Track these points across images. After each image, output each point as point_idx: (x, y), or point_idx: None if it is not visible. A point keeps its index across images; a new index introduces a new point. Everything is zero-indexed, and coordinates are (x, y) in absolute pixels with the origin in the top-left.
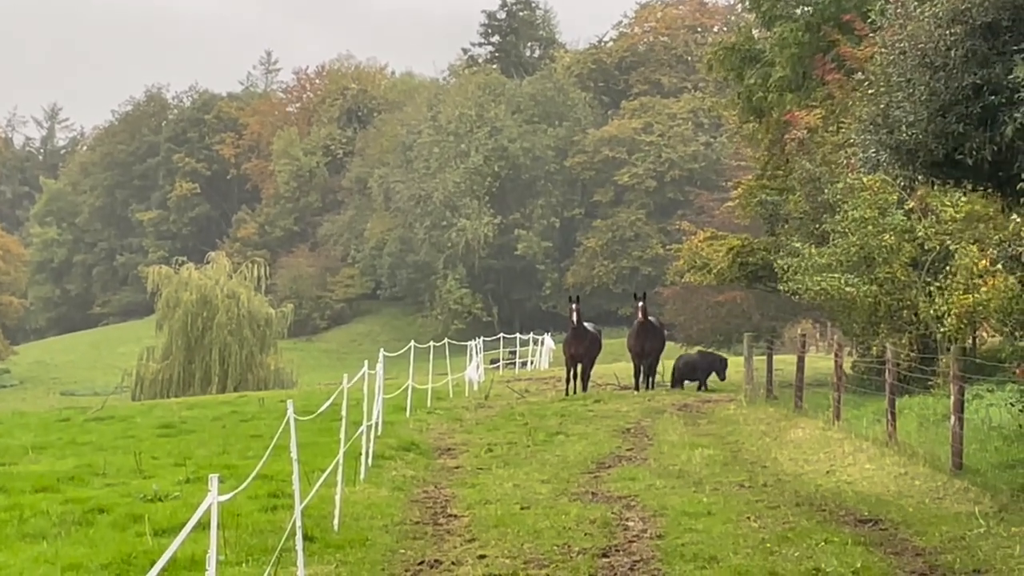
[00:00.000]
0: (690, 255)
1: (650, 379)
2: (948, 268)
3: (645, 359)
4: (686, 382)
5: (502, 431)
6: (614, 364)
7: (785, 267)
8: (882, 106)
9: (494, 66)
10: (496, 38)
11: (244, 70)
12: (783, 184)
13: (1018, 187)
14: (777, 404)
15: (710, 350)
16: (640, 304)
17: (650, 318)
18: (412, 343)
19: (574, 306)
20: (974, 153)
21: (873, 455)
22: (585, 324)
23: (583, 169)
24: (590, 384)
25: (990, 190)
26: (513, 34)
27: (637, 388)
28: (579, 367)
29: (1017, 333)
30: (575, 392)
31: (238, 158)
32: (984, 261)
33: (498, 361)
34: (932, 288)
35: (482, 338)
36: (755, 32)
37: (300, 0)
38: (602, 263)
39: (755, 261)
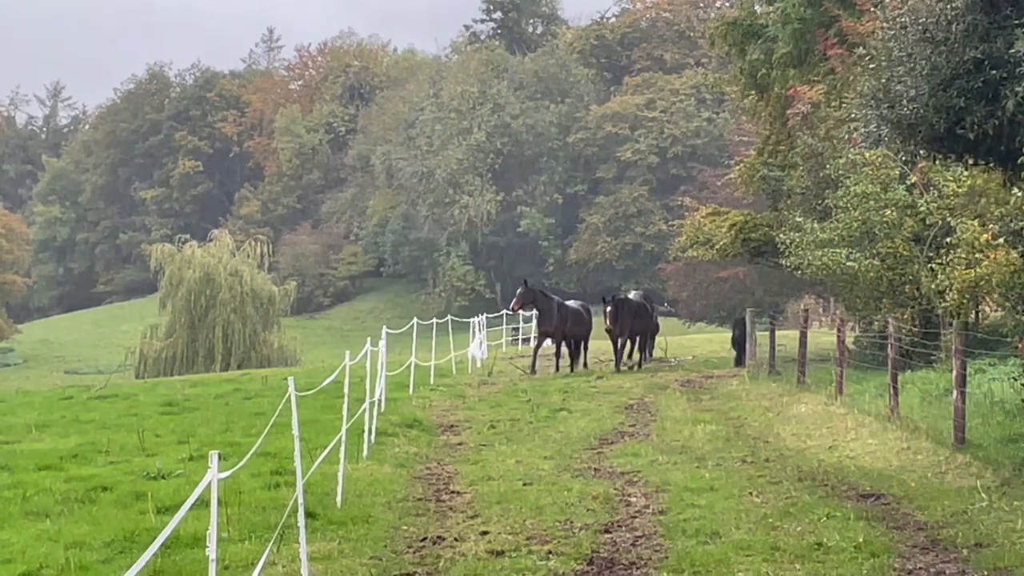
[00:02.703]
0: (693, 231)
1: (643, 354)
2: (949, 242)
3: (623, 337)
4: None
5: (505, 408)
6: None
7: (787, 242)
8: (883, 81)
9: (496, 42)
10: (498, 14)
11: (246, 47)
12: (785, 160)
13: (1019, 161)
14: (779, 379)
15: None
16: (608, 309)
17: (630, 295)
18: (415, 320)
19: (519, 290)
20: (975, 127)
21: (875, 430)
22: (568, 302)
23: (586, 145)
24: (588, 361)
25: (991, 164)
26: (515, 10)
27: (617, 367)
28: (557, 343)
29: (1019, 307)
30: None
31: (240, 136)
32: (986, 236)
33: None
34: (934, 263)
35: (485, 315)
36: (757, 7)
37: None
38: (605, 239)
39: (758, 236)
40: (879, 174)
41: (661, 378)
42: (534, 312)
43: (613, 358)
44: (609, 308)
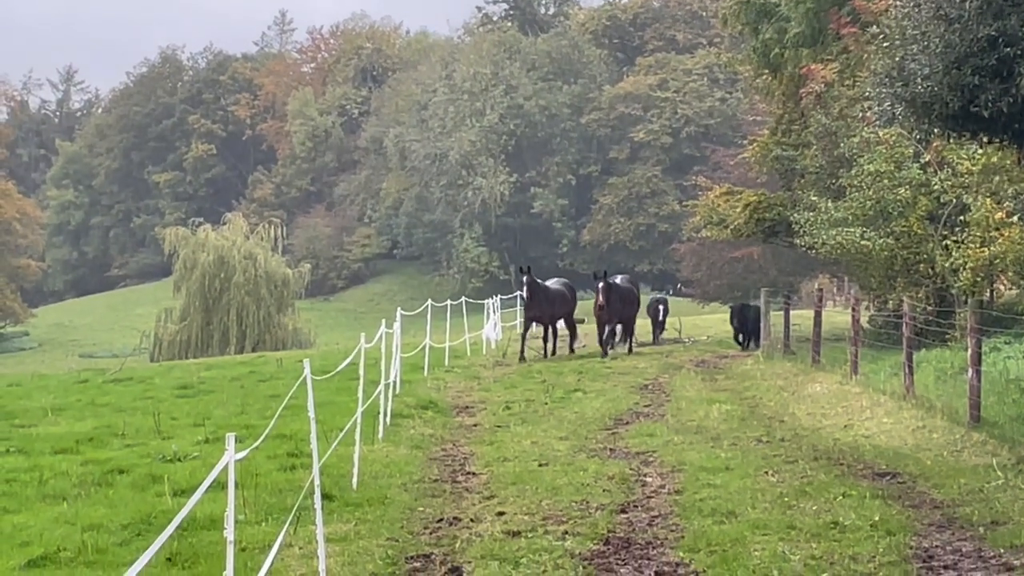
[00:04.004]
0: (707, 211)
1: (628, 340)
2: (964, 220)
3: (611, 323)
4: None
5: (520, 389)
6: None
7: (802, 222)
8: (897, 59)
9: (509, 24)
10: None
11: (258, 31)
12: (799, 139)
13: None
14: (794, 359)
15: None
16: (601, 285)
17: (616, 280)
18: (429, 302)
19: (524, 279)
20: (989, 105)
21: (891, 409)
22: (549, 283)
23: (599, 126)
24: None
25: (1006, 142)
26: None
27: (604, 353)
28: (546, 327)
29: None
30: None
31: (253, 119)
32: (1000, 214)
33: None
34: (948, 241)
35: (499, 296)
36: None
37: None
38: (618, 220)
39: (772, 216)
40: (893, 153)
41: (675, 358)
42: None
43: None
44: (601, 284)
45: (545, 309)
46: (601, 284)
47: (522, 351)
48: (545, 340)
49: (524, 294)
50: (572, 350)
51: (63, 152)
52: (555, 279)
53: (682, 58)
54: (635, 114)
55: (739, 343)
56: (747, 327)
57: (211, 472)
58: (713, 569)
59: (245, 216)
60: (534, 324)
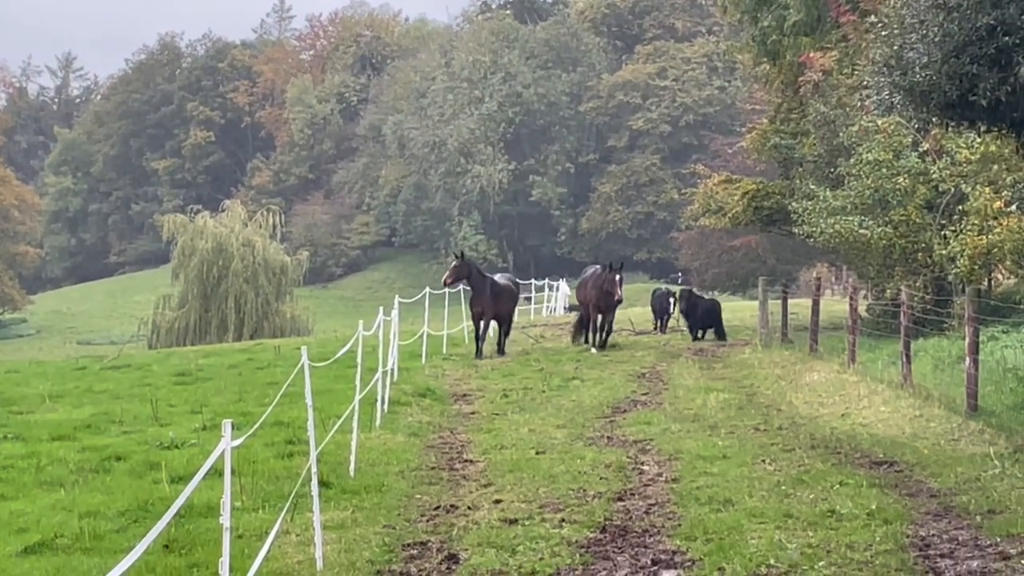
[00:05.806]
0: (705, 199)
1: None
2: (962, 209)
3: (605, 313)
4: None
5: (517, 377)
6: (629, 310)
7: (800, 210)
8: (896, 48)
9: (507, 12)
10: None
11: (257, 17)
12: (797, 127)
13: None
14: (792, 348)
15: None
16: (618, 278)
17: (497, 278)
18: (427, 289)
19: (454, 263)
20: (988, 94)
21: (888, 397)
22: (496, 277)
23: (597, 114)
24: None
25: (1004, 131)
26: None
27: (587, 341)
28: (488, 323)
29: None
30: (494, 353)
31: (252, 106)
32: (998, 203)
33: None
34: (947, 230)
35: None
36: None
37: None
38: (617, 208)
39: (770, 205)
40: (891, 141)
41: (673, 347)
42: (559, 283)
43: (625, 328)
44: (619, 277)
45: (490, 304)
46: (618, 276)
47: (479, 351)
48: (481, 337)
49: (448, 278)
50: (502, 350)
51: (61, 139)
52: (500, 274)
53: (681, 46)
54: (634, 102)
55: (690, 330)
56: (696, 316)
57: (208, 459)
58: (710, 557)
59: (243, 203)
60: (481, 321)
